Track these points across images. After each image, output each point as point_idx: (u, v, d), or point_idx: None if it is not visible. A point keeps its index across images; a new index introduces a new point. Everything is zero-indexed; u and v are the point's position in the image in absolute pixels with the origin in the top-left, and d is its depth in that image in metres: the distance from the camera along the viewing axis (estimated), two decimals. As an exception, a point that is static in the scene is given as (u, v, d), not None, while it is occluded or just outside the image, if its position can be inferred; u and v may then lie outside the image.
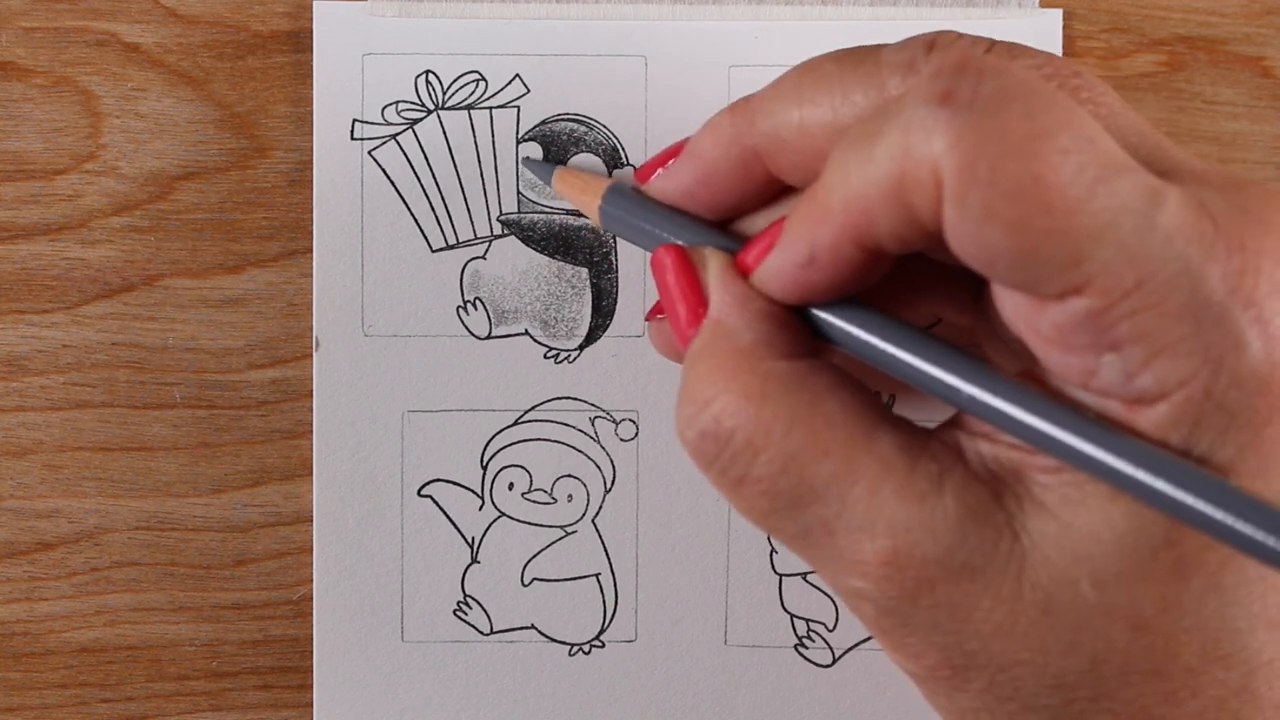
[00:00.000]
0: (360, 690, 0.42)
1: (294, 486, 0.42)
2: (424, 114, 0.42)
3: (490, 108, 0.42)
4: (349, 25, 0.41)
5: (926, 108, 0.27)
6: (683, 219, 0.35)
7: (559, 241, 0.42)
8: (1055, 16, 0.42)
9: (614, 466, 0.42)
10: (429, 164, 0.42)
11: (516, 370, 0.42)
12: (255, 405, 0.42)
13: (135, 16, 0.42)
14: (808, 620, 0.43)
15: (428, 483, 0.42)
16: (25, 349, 0.42)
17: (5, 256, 0.42)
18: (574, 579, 0.43)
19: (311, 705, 0.42)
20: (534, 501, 0.42)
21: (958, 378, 0.30)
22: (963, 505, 0.29)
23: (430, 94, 0.42)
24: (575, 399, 0.42)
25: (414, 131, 0.42)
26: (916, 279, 0.33)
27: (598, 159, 0.42)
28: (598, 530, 0.42)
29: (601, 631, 0.43)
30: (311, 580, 0.42)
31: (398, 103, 0.42)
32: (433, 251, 0.42)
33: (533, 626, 0.42)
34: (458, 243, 0.42)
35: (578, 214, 0.42)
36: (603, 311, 0.42)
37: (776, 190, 0.34)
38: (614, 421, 0.42)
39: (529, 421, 0.42)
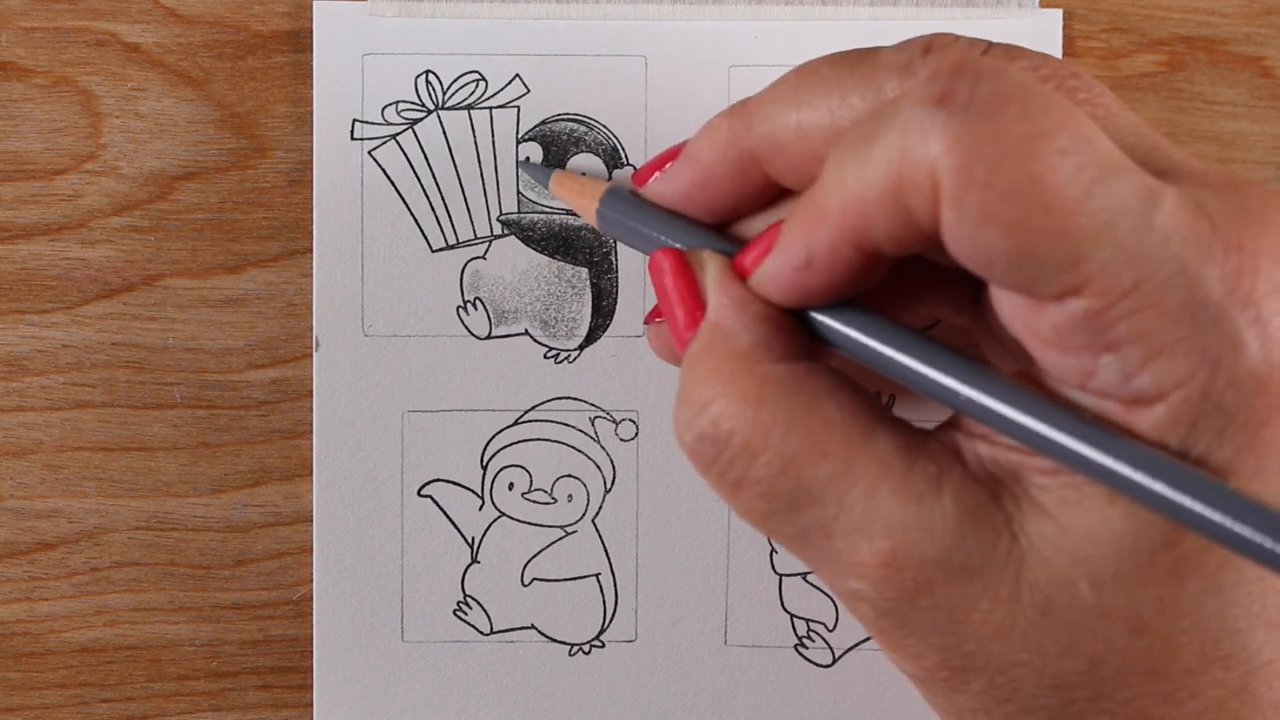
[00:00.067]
0: (360, 690, 0.42)
1: (294, 486, 0.42)
2: (424, 114, 0.42)
3: (490, 108, 0.42)
4: (349, 25, 0.41)
5: (923, 110, 0.27)
6: (680, 222, 0.35)
7: (559, 241, 0.42)
8: (1055, 16, 0.42)
9: (614, 466, 0.42)
10: (429, 164, 0.42)
11: (516, 370, 0.42)
12: (255, 405, 0.42)
13: (135, 16, 0.42)
14: (808, 620, 0.43)
15: (428, 483, 0.42)
16: (25, 349, 0.42)
17: (5, 256, 0.42)
18: (574, 579, 0.43)
19: (311, 705, 0.42)
20: (534, 501, 0.42)
21: (955, 380, 0.29)
22: (961, 506, 0.29)
23: (430, 94, 0.42)
24: (575, 399, 0.42)
25: (414, 131, 0.42)
26: (914, 281, 0.33)
27: (598, 159, 0.42)
28: (598, 530, 0.42)
29: (601, 631, 0.43)
30: (311, 580, 0.42)
31: (398, 103, 0.42)
32: (433, 251, 0.42)
33: (533, 626, 0.43)
34: (458, 243, 0.42)
35: (578, 214, 0.42)
36: (603, 311, 0.42)
37: (774, 193, 0.34)
38: (614, 421, 0.42)
39: (529, 421, 0.42)
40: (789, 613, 0.43)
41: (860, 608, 0.31)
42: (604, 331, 0.42)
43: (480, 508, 0.42)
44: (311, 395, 0.42)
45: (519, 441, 0.42)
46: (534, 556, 0.42)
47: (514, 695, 0.42)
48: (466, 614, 0.42)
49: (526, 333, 0.42)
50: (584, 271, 0.42)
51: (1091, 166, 0.27)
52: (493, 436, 0.42)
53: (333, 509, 0.42)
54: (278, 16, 0.42)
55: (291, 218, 0.42)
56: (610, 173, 0.42)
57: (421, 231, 0.42)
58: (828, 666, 0.43)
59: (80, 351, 0.42)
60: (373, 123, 0.42)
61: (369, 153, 0.42)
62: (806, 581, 0.43)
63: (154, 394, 0.42)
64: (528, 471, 0.42)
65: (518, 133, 0.42)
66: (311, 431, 0.42)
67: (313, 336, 0.42)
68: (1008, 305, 0.29)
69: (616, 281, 0.42)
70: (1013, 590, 0.29)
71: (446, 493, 0.42)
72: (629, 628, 0.43)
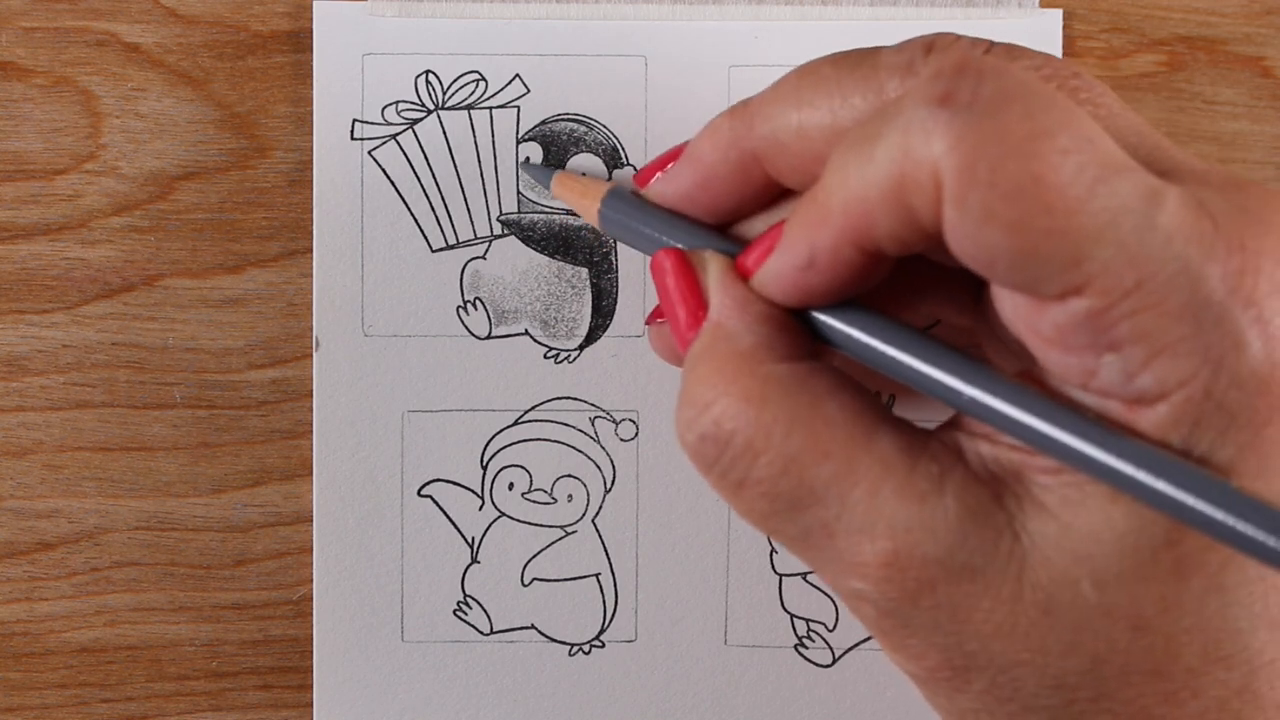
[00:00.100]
0: (360, 690, 0.42)
1: (294, 486, 0.42)
2: (424, 114, 0.42)
3: (490, 108, 0.42)
4: (349, 25, 0.41)
5: (926, 109, 0.27)
6: (682, 222, 0.35)
7: (559, 241, 0.42)
8: (1055, 16, 0.42)
9: (614, 466, 0.42)
10: (429, 164, 0.42)
11: (516, 370, 0.42)
12: (255, 405, 0.42)
13: (135, 16, 0.42)
14: (808, 620, 0.43)
15: (428, 483, 0.42)
16: (25, 349, 0.42)
17: (5, 256, 0.42)
18: (574, 579, 0.43)
19: (311, 705, 0.42)
20: (534, 501, 0.42)
21: (958, 379, 0.30)
22: (963, 506, 0.29)
23: (430, 94, 0.42)
24: (575, 399, 0.42)
25: (414, 131, 0.42)
26: (916, 281, 0.33)
27: (598, 159, 0.42)
28: (598, 530, 0.42)
29: (601, 631, 0.43)
30: (311, 580, 0.42)
31: (398, 103, 0.42)
32: (433, 251, 0.42)
33: (533, 626, 0.42)
34: (458, 243, 0.42)
35: (578, 214, 0.42)
36: (603, 311, 0.42)
37: (775, 193, 0.34)
38: (614, 421, 0.42)
39: (529, 421, 0.42)
40: (789, 613, 0.43)
41: (862, 608, 0.31)
42: (604, 331, 0.42)
43: (480, 508, 0.42)
44: (311, 395, 0.42)
45: (519, 441, 0.42)
46: (534, 556, 0.42)
47: (514, 695, 0.42)
48: (466, 614, 0.42)
49: (526, 333, 0.42)
50: (584, 271, 0.42)
51: (1094, 166, 0.27)
52: (493, 436, 0.42)
53: (333, 509, 0.42)
54: (278, 16, 0.42)
55: (291, 218, 0.42)
56: (610, 173, 0.42)
57: (421, 231, 0.42)
58: (828, 666, 0.43)
59: (80, 351, 0.42)
60: (373, 123, 0.42)
61: (369, 153, 0.42)
62: (806, 581, 0.43)
63: (154, 394, 0.42)
64: (528, 471, 0.42)
65: (518, 133, 0.42)
66: (311, 431, 0.42)
67: (313, 336, 0.42)
68: (1009, 305, 0.29)
69: (616, 281, 0.42)
70: (1015, 590, 0.29)
71: (446, 493, 0.42)
72: (629, 628, 0.43)
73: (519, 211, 0.42)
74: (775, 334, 0.31)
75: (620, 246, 0.42)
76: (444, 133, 0.42)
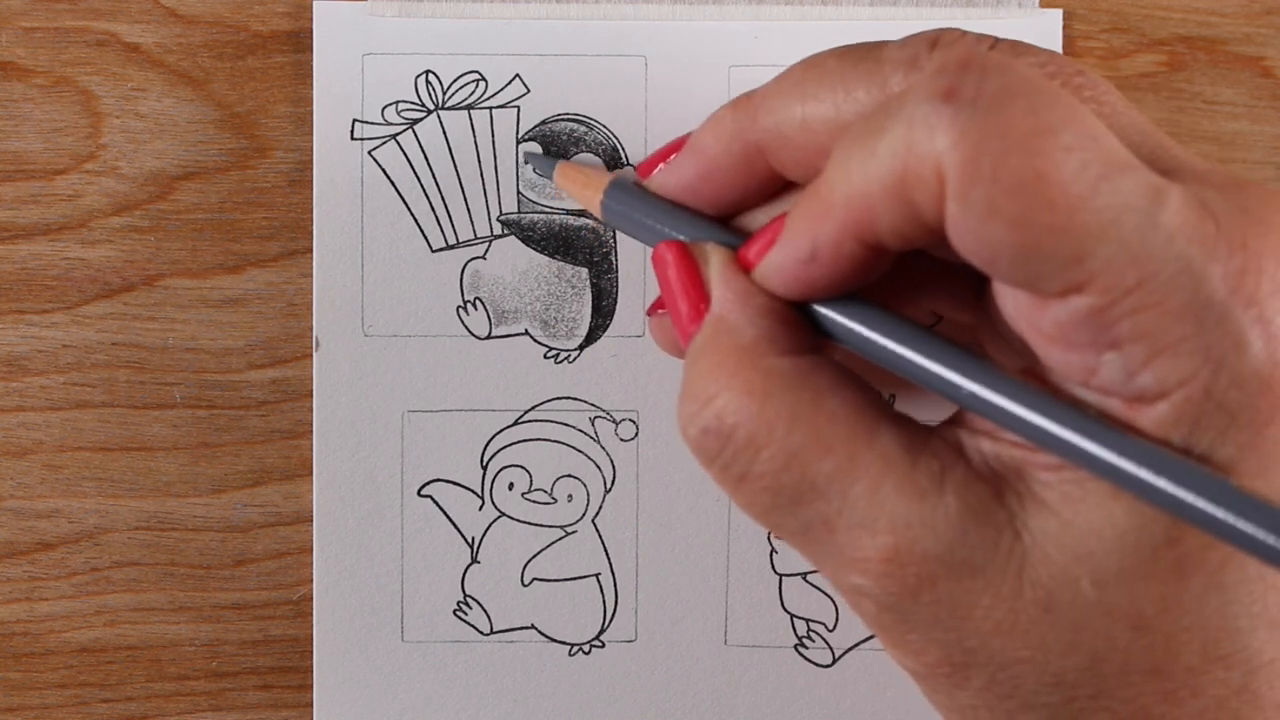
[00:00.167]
0: (360, 690, 0.42)
1: (294, 486, 0.42)
2: (424, 114, 0.42)
3: (490, 108, 0.42)
4: (349, 25, 0.41)
5: (930, 104, 0.27)
6: (684, 214, 0.35)
7: (559, 241, 0.42)
8: (1055, 16, 0.42)
9: (614, 466, 0.42)
10: (429, 164, 0.42)
11: (516, 370, 0.42)
12: (255, 405, 0.42)
13: (135, 16, 0.42)
14: (808, 620, 0.43)
15: (428, 483, 0.42)
16: (25, 349, 0.42)
17: (5, 256, 0.42)
18: (574, 579, 0.43)
19: (311, 705, 0.42)
20: (534, 501, 0.42)
21: (959, 374, 0.30)
22: (964, 502, 0.29)
23: (430, 94, 0.42)
24: (575, 399, 0.42)
25: (414, 131, 0.42)
26: (918, 276, 0.33)
27: (598, 159, 0.42)
28: (598, 530, 0.42)
29: (601, 631, 0.42)
30: (311, 580, 0.42)
31: (398, 103, 0.42)
32: (433, 251, 0.42)
33: (533, 626, 0.42)
34: (458, 243, 0.42)
35: (578, 214, 0.42)
36: (603, 311, 0.42)
37: (778, 186, 0.34)
38: (614, 421, 0.42)
39: (529, 421, 0.42)
40: (789, 613, 0.43)
41: (862, 603, 0.31)
42: (604, 331, 0.42)
43: (480, 508, 0.42)
44: (311, 395, 0.42)
45: (519, 441, 0.42)
46: (534, 556, 0.42)
47: (514, 695, 0.42)
48: (466, 614, 0.42)
49: (526, 333, 0.42)
50: (584, 271, 0.42)
51: (1097, 163, 0.27)
52: (493, 436, 0.42)
53: (333, 509, 0.42)
54: (278, 16, 0.42)
55: (291, 218, 0.42)
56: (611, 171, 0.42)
57: (421, 231, 0.42)
58: (828, 666, 0.43)
59: (80, 351, 0.42)
60: (373, 123, 0.42)
61: (369, 153, 0.42)
62: (807, 581, 0.43)
63: (154, 394, 0.42)
64: (528, 471, 0.42)
65: (518, 133, 0.42)
66: (311, 431, 0.42)
67: (313, 336, 0.42)
68: (1011, 301, 0.29)
69: (616, 281, 0.42)
70: (1015, 587, 0.29)
71: (446, 493, 0.42)
72: (629, 628, 0.42)
73: (519, 211, 0.42)
74: (777, 327, 0.31)
75: (621, 245, 0.42)
76: (444, 133, 0.42)
